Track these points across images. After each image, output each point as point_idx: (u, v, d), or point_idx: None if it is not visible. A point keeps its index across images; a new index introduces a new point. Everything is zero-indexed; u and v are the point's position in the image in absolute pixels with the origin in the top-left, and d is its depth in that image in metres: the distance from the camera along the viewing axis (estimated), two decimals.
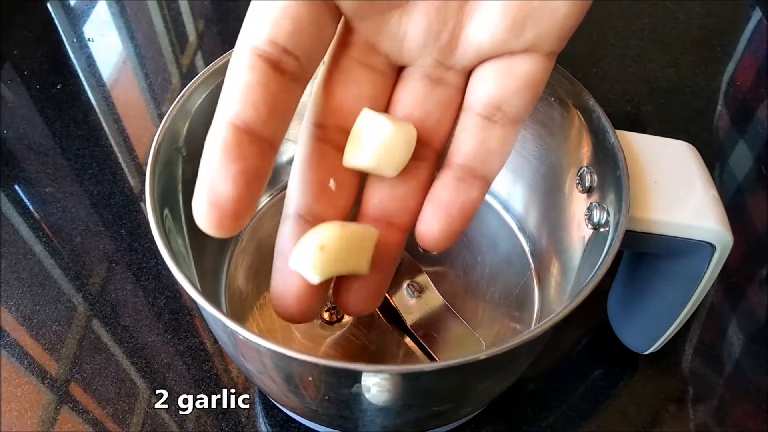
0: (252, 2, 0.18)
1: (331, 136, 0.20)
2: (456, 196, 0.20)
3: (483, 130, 0.20)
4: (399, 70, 0.21)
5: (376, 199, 0.20)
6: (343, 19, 0.19)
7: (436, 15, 0.19)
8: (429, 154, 0.21)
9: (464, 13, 0.19)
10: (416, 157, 0.20)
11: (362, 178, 0.21)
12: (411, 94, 0.20)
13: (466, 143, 0.20)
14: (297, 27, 0.17)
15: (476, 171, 0.20)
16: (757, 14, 0.54)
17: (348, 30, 0.19)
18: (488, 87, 0.20)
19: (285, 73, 0.17)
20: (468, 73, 0.20)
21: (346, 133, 0.20)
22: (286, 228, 0.20)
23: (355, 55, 0.19)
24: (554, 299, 0.31)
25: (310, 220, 0.19)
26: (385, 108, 0.21)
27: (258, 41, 0.17)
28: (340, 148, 0.20)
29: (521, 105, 0.20)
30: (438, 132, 0.21)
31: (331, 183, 0.20)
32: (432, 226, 0.20)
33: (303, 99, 0.19)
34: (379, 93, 0.20)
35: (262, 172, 0.17)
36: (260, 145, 0.17)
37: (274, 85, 0.17)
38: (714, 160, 0.44)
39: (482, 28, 0.19)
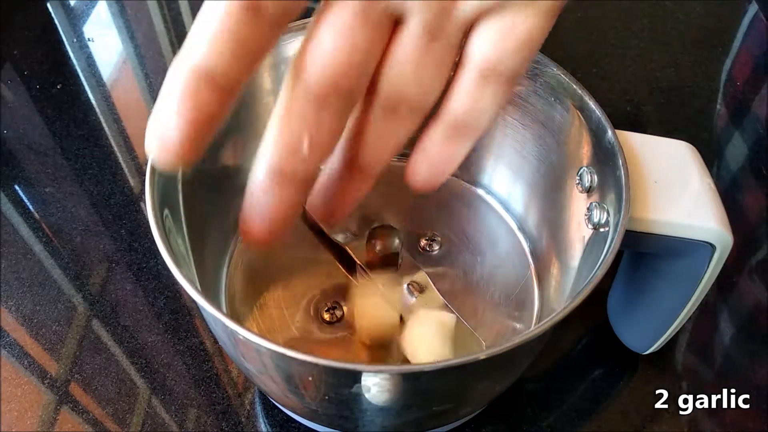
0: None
1: (313, 94, 0.19)
2: (443, 150, 0.21)
3: (477, 88, 0.20)
4: (395, 25, 0.19)
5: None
6: None
7: None
8: (418, 115, 0.20)
9: None
10: (403, 116, 0.20)
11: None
12: (408, 50, 0.19)
13: (458, 100, 0.20)
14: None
15: (466, 128, 0.20)
16: (753, 8, 0.54)
17: None
18: (486, 46, 0.19)
19: (263, 15, 0.17)
20: (467, 30, 0.20)
21: (331, 93, 0.19)
22: (257, 175, 0.19)
23: (351, 6, 0.18)
24: (554, 299, 0.31)
25: (278, 177, 0.19)
26: (377, 64, 0.20)
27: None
28: (322, 107, 0.19)
29: (517, 65, 0.20)
30: (429, 93, 0.20)
31: (304, 145, 0.19)
32: (419, 171, 0.21)
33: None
34: (372, 48, 0.19)
35: (217, 116, 0.17)
36: (220, 92, 0.17)
37: (247, 31, 0.17)
38: (714, 159, 0.44)
39: None
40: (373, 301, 0.30)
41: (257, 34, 0.17)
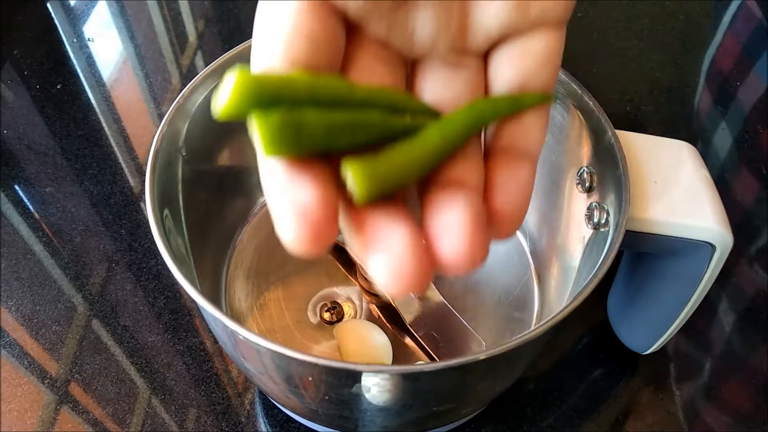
0: (257, 23, 0.18)
1: None
2: (508, 179, 0.19)
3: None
4: (412, 65, 0.20)
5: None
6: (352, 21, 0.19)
7: (440, 5, 0.19)
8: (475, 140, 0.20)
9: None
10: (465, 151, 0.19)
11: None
12: (435, 80, 0.19)
13: (501, 128, 0.20)
14: (313, 43, 0.17)
15: (520, 150, 0.20)
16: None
17: (358, 30, 0.19)
18: (507, 71, 0.19)
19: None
20: (484, 57, 0.20)
21: None
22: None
23: (368, 51, 0.19)
24: (554, 299, 0.31)
25: None
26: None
27: (277, 63, 0.17)
28: None
29: (546, 80, 0.19)
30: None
31: None
32: (503, 213, 0.19)
33: None
34: (397, 82, 0.19)
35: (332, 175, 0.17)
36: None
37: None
38: (714, 159, 0.44)
39: (487, 11, 0.19)
40: (359, 337, 0.30)
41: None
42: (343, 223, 0.17)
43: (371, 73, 0.19)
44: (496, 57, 0.20)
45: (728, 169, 0.44)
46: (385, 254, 0.16)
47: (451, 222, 0.17)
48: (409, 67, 0.20)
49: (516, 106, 0.19)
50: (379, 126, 0.17)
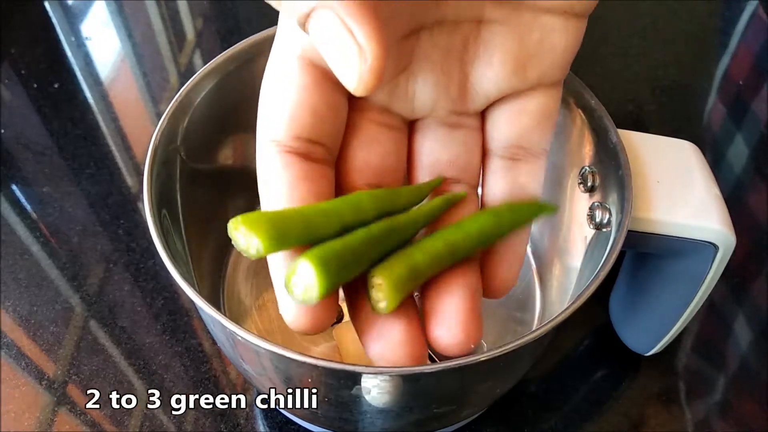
0: (263, 95, 0.18)
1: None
2: (506, 243, 0.20)
3: (510, 170, 0.20)
4: (411, 124, 0.21)
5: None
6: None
7: (441, 71, 0.19)
8: (471, 194, 0.21)
9: (467, 64, 0.19)
10: (459, 204, 0.20)
11: None
12: (433, 141, 0.20)
13: (496, 185, 0.20)
14: (316, 116, 0.18)
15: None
16: (751, 5, 0.53)
17: (359, 99, 0.19)
18: (505, 130, 0.20)
19: (316, 161, 0.18)
20: (482, 115, 0.21)
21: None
22: None
23: (370, 118, 0.20)
24: (556, 300, 0.31)
25: None
26: (406, 160, 0.21)
27: (282, 137, 0.17)
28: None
29: (541, 138, 0.20)
30: (470, 169, 0.21)
31: None
32: (497, 285, 0.20)
33: None
34: (399, 147, 0.20)
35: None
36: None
37: (311, 175, 0.18)
38: (716, 159, 0.44)
39: (486, 76, 0.19)
40: (359, 338, 0.30)
41: (322, 174, 0.18)
42: (349, 315, 0.18)
43: (373, 140, 0.20)
44: (494, 115, 0.20)
45: (739, 173, 0.43)
46: (382, 342, 0.17)
47: (448, 311, 0.18)
48: (408, 127, 0.21)
49: (521, 219, 0.20)
50: (389, 238, 0.18)
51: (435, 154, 0.20)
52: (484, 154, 0.21)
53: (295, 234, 0.16)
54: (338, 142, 0.19)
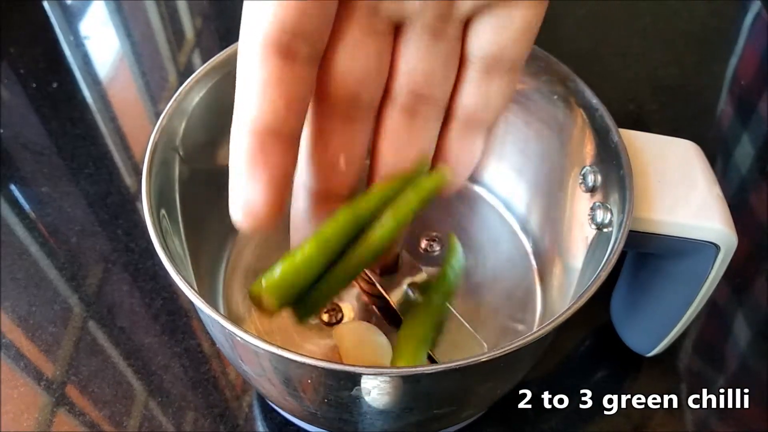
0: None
1: (340, 110, 0.20)
2: (460, 148, 0.22)
3: (484, 82, 0.21)
4: (396, 29, 0.20)
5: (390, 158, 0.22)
6: None
7: None
8: (436, 111, 0.21)
9: None
10: (423, 116, 0.21)
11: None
12: (415, 50, 0.20)
13: (467, 96, 0.21)
14: (302, 10, 0.17)
15: (478, 121, 0.21)
16: (755, 6, 0.53)
17: (348, 1, 0.19)
18: (486, 40, 0.20)
19: (297, 59, 0.17)
20: (465, 23, 0.20)
21: (355, 106, 0.20)
22: (300, 203, 0.21)
23: (359, 23, 0.19)
24: (557, 300, 0.31)
25: (323, 198, 0.21)
26: (387, 71, 0.21)
27: (265, 33, 0.17)
28: (350, 121, 0.20)
29: (519, 53, 0.20)
30: (443, 86, 0.21)
31: (341, 162, 0.20)
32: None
33: None
34: (383, 55, 0.20)
35: (288, 170, 0.18)
36: (283, 143, 0.17)
37: (288, 77, 0.17)
38: (718, 159, 0.44)
39: None
40: (359, 339, 0.30)
41: (300, 77, 0.18)
42: None
43: (358, 46, 0.19)
44: (476, 25, 0.20)
45: (742, 173, 0.43)
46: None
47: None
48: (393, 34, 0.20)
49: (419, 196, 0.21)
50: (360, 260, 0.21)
51: (413, 62, 0.20)
52: (461, 64, 0.21)
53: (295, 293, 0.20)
54: (323, 40, 0.18)
